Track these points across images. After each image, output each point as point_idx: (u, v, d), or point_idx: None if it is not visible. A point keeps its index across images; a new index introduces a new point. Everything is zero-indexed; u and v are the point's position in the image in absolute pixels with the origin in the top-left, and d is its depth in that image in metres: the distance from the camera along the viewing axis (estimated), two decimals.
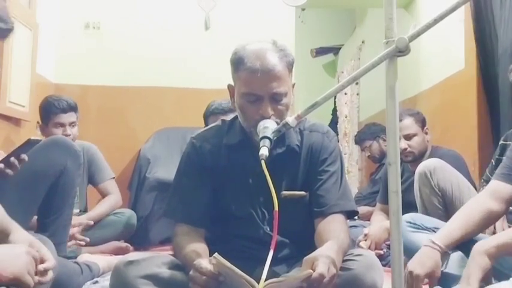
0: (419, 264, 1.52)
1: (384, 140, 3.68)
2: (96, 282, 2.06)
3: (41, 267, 1.16)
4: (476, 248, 1.43)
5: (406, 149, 2.78)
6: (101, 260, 2.27)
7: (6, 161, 1.66)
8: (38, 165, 1.91)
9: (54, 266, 1.23)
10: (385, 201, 3.12)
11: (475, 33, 3.02)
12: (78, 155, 2.11)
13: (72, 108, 2.86)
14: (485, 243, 1.43)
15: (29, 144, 1.70)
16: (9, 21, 1.15)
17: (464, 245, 1.63)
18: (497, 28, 2.86)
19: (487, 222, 1.67)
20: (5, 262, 1.05)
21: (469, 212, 1.65)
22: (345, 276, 1.30)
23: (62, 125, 2.82)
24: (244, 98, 1.47)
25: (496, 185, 1.70)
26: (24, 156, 1.67)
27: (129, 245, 3.07)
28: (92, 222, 2.57)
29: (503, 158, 1.85)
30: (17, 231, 1.25)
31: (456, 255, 1.64)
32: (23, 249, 1.13)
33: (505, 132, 2.45)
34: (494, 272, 1.48)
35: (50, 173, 1.99)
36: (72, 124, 2.85)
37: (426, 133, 2.88)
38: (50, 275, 1.21)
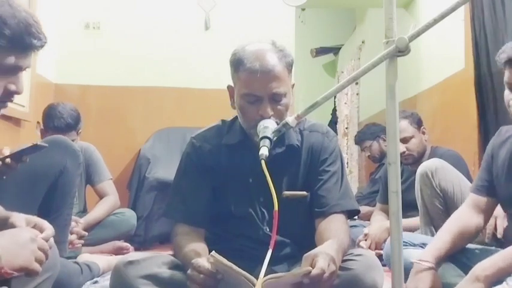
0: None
1: (384, 140, 3.68)
2: (96, 282, 2.06)
3: (40, 236, 1.17)
4: (475, 272, 1.44)
5: (404, 152, 2.76)
6: (101, 260, 2.26)
7: (3, 159, 1.65)
8: (37, 165, 1.90)
9: (53, 233, 1.24)
10: (385, 201, 3.12)
11: (473, 33, 3.02)
12: (78, 155, 2.10)
13: (71, 128, 2.84)
14: (484, 268, 1.43)
15: (34, 148, 1.67)
16: (42, 37, 1.18)
17: (452, 255, 1.67)
18: (496, 27, 2.85)
19: (471, 236, 1.71)
20: (9, 256, 1.05)
21: (453, 229, 1.68)
22: (345, 276, 1.30)
23: None
24: (244, 99, 1.47)
25: (474, 198, 1.75)
26: (26, 158, 1.66)
27: (129, 244, 3.07)
28: (86, 233, 2.56)
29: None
30: (15, 215, 1.27)
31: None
32: (28, 237, 1.12)
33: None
34: None
35: (50, 173, 1.98)
36: None
37: (424, 133, 2.85)
38: (50, 242, 1.21)
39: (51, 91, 3.91)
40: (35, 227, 1.23)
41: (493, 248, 1.72)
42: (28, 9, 1.16)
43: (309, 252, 1.25)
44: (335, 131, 6.08)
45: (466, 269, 1.57)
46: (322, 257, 1.20)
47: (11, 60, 1.14)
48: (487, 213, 1.74)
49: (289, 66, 1.49)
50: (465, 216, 1.71)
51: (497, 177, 1.70)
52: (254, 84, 1.44)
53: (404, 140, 2.77)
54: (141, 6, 4.21)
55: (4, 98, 1.19)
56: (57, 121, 2.79)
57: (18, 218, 1.25)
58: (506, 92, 1.61)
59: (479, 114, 2.98)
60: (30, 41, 1.15)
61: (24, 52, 1.17)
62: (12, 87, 1.18)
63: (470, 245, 1.75)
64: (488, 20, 2.89)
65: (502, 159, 1.69)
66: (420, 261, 1.59)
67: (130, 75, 4.13)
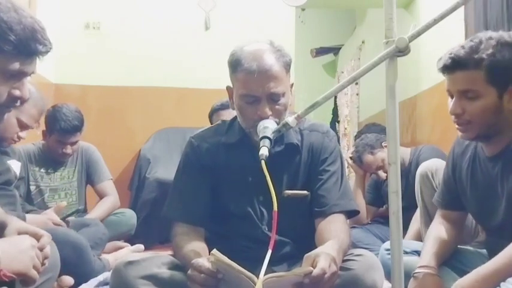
0: None
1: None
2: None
3: (37, 245, 1.17)
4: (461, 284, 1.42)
5: (386, 176, 2.90)
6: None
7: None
8: None
9: (50, 239, 1.24)
10: (372, 202, 3.29)
11: (473, 33, 3.02)
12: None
13: (77, 129, 2.84)
14: (469, 281, 1.41)
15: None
16: (47, 43, 1.20)
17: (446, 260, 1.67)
18: (495, 27, 2.85)
19: (452, 247, 1.69)
20: (8, 259, 1.06)
21: (434, 241, 1.66)
22: (345, 276, 1.30)
23: (64, 143, 2.82)
24: (243, 99, 1.47)
25: (442, 213, 1.75)
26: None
27: (129, 244, 3.07)
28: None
29: None
30: (12, 222, 1.26)
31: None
32: (29, 243, 1.13)
33: None
34: None
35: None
36: (73, 143, 2.86)
37: (385, 147, 2.95)
38: (48, 250, 1.21)
39: (51, 91, 3.91)
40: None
41: (485, 250, 1.71)
42: (34, 15, 1.17)
43: (310, 253, 1.25)
44: (335, 131, 6.07)
45: (460, 272, 1.57)
46: (324, 258, 1.20)
47: (16, 65, 1.15)
48: (460, 224, 1.74)
49: (287, 66, 1.49)
50: (439, 230, 1.69)
51: (462, 192, 1.67)
52: (252, 85, 1.44)
53: (379, 167, 3.04)
54: (141, 6, 4.21)
55: (8, 103, 1.20)
56: (63, 124, 2.78)
57: (15, 226, 1.24)
58: (449, 100, 1.60)
59: None
60: (36, 47, 1.17)
61: (29, 58, 1.19)
62: (17, 92, 1.19)
63: (463, 249, 1.74)
64: (490, 17, 2.89)
65: (465, 173, 1.66)
66: (423, 268, 1.57)
67: (130, 75, 4.13)
